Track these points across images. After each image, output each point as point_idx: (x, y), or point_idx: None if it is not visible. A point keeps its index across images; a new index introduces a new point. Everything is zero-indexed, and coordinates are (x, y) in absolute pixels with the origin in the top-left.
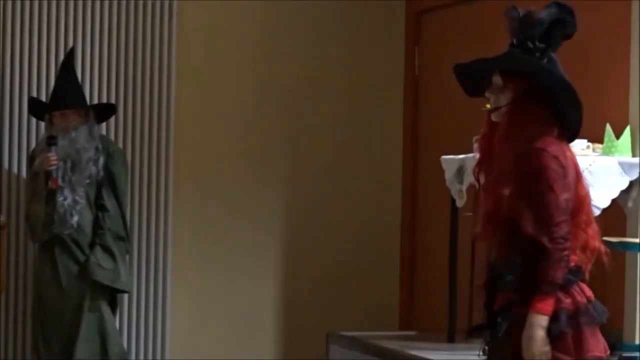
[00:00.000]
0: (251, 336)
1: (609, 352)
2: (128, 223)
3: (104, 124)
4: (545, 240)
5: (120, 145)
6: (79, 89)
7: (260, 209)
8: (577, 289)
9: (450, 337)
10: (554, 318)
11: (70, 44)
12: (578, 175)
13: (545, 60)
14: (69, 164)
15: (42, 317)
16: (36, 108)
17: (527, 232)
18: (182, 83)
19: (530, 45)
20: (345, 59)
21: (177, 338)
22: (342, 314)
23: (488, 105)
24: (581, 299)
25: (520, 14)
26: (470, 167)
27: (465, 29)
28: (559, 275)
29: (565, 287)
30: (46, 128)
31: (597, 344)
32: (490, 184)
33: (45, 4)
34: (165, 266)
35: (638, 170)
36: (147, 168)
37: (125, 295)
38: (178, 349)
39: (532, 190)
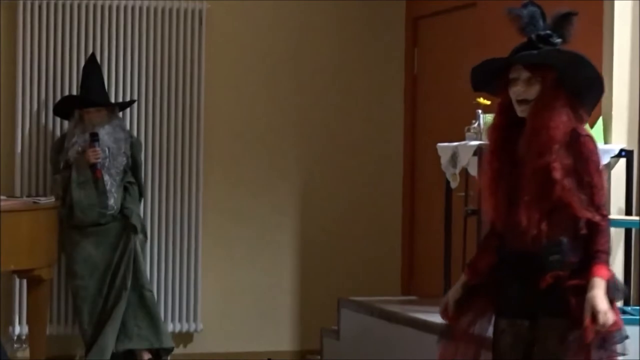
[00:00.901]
0: (271, 302)
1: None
2: (143, 194)
3: (143, 123)
4: (598, 219)
5: (157, 140)
6: (105, 89)
7: (278, 195)
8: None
9: None
10: (611, 287)
11: (108, 48)
12: None
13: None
14: (109, 155)
15: (81, 290)
16: (68, 104)
17: (581, 214)
18: (210, 84)
19: (551, 40)
20: (353, 60)
21: (207, 305)
22: (351, 282)
23: (480, 100)
24: (612, 272)
25: (528, 11)
26: (462, 153)
27: (459, 32)
28: (609, 246)
29: (606, 262)
30: (75, 123)
31: (619, 317)
32: (531, 173)
33: (82, 12)
34: (197, 244)
35: (609, 156)
36: (181, 161)
37: (163, 268)
38: (208, 314)
39: (583, 175)
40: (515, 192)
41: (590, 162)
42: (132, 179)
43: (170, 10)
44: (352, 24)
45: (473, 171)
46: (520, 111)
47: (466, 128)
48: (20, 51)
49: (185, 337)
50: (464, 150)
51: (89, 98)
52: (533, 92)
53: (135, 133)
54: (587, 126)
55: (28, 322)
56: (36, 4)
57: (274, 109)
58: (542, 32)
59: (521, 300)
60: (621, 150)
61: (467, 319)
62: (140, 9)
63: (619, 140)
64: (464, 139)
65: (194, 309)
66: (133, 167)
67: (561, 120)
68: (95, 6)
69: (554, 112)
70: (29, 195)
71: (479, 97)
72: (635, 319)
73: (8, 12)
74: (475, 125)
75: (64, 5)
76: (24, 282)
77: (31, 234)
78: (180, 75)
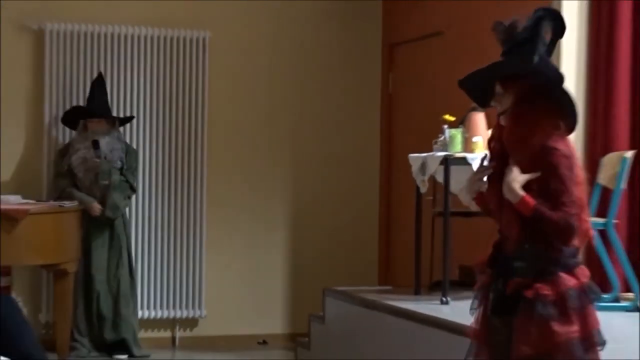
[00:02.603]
0: (266, 292)
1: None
2: (136, 188)
3: (154, 137)
4: (559, 213)
5: (167, 150)
6: (108, 103)
7: (272, 200)
8: (580, 270)
9: (416, 291)
10: (562, 297)
11: (120, 73)
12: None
13: (535, 60)
14: (107, 160)
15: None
16: (76, 114)
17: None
18: (213, 106)
19: (517, 50)
20: (337, 82)
21: (210, 293)
22: (335, 273)
23: (446, 116)
24: (584, 279)
25: (505, 25)
26: (430, 163)
27: (430, 58)
28: (553, 224)
29: (570, 269)
30: (79, 132)
31: (596, 319)
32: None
33: (100, 39)
34: (202, 240)
35: None
36: (187, 166)
37: (172, 260)
38: (211, 302)
39: (548, 187)
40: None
41: (553, 174)
42: (124, 179)
43: (178, 39)
44: (336, 50)
45: (440, 178)
46: (502, 121)
47: (434, 141)
48: (47, 72)
49: (191, 322)
50: (432, 160)
51: (92, 109)
52: (505, 103)
53: (147, 146)
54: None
55: (54, 311)
56: (61, 32)
57: (270, 125)
58: (510, 44)
59: (501, 295)
60: None
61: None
62: (150, 37)
63: None
64: (432, 151)
65: (199, 297)
66: (126, 170)
67: (532, 132)
68: (112, 34)
69: (524, 124)
70: (55, 199)
71: (445, 114)
72: None
73: (36, 38)
74: (442, 138)
75: (85, 33)
76: (51, 275)
77: (57, 233)
78: (186, 97)
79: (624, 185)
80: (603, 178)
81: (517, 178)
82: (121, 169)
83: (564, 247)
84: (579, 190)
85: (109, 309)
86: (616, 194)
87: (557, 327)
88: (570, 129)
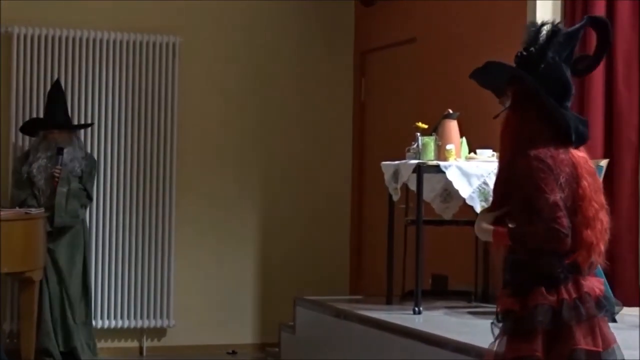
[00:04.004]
0: (235, 301)
1: (611, 343)
2: (93, 196)
3: (122, 143)
4: (538, 224)
5: (135, 157)
6: (68, 112)
7: (241, 208)
8: (570, 285)
9: (388, 300)
10: (532, 313)
11: (85, 78)
12: (577, 176)
13: (542, 66)
14: (67, 167)
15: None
16: (32, 126)
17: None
18: (183, 105)
19: (526, 54)
20: (309, 89)
21: (179, 303)
22: (306, 283)
23: (419, 124)
24: (569, 295)
25: (535, 26)
26: (403, 170)
27: (401, 64)
28: (534, 240)
29: (556, 284)
30: (39, 141)
31: (585, 338)
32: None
33: (69, 43)
34: (170, 249)
35: None
36: (156, 175)
37: (140, 270)
38: (180, 311)
39: (521, 194)
40: None
41: (528, 180)
42: (82, 187)
43: (148, 44)
44: (308, 57)
45: (412, 186)
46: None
47: (407, 148)
48: (14, 76)
49: (159, 332)
50: (405, 167)
51: (52, 121)
52: (507, 105)
53: (115, 153)
54: (489, 151)
55: (19, 319)
56: (29, 35)
57: (240, 133)
58: (522, 51)
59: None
60: None
61: None
62: (120, 42)
63: None
64: (404, 158)
65: (167, 306)
66: (85, 178)
67: (511, 138)
68: (81, 39)
69: (509, 127)
70: (18, 205)
71: (418, 121)
72: None
73: (3, 42)
74: (415, 146)
75: (53, 37)
76: (16, 283)
77: (23, 240)
78: (156, 103)
79: None
80: None
81: (481, 218)
82: (80, 177)
83: (553, 260)
84: (555, 195)
85: (57, 317)
86: None
87: (513, 344)
88: (569, 139)
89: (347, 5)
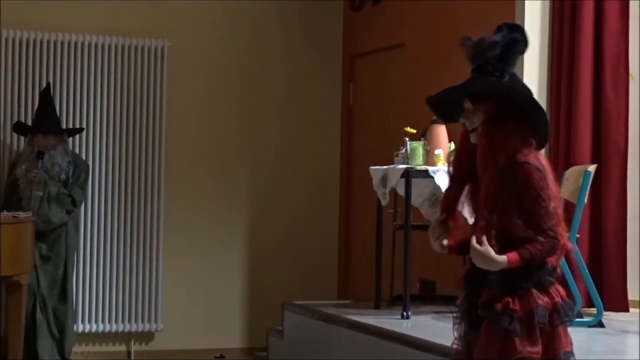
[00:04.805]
0: (223, 305)
1: (572, 344)
2: (78, 203)
3: (111, 147)
4: (537, 238)
5: (123, 162)
6: (56, 116)
7: (230, 213)
8: (554, 289)
9: (376, 305)
10: (530, 315)
11: (74, 81)
12: (551, 179)
13: (506, 78)
14: (47, 172)
15: None
16: (22, 129)
17: (520, 236)
18: (171, 110)
19: (490, 67)
20: (297, 93)
21: (167, 307)
22: (294, 287)
23: (407, 129)
24: (557, 299)
25: (475, 41)
26: (392, 175)
27: (390, 69)
28: (539, 257)
29: (544, 287)
30: (27, 144)
31: (566, 340)
32: (482, 199)
33: (49, 48)
34: (158, 252)
35: None
36: (144, 180)
37: (127, 273)
38: (167, 315)
39: (523, 202)
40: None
41: (527, 188)
42: (66, 192)
43: (136, 48)
44: (297, 61)
45: (401, 191)
46: (472, 139)
47: (395, 153)
48: (2, 79)
49: (147, 336)
50: (393, 172)
51: (39, 125)
52: (476, 121)
53: (103, 156)
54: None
55: (6, 324)
56: (17, 39)
57: (229, 136)
58: (481, 62)
59: (474, 308)
60: None
61: None
62: (109, 46)
63: None
64: (393, 163)
65: (155, 310)
66: (72, 184)
67: (504, 149)
68: (70, 43)
69: (495, 141)
70: (7, 208)
71: (406, 126)
72: None
73: None
74: (403, 150)
75: (41, 41)
76: (2, 287)
77: (11, 244)
78: (144, 107)
79: (586, 199)
80: (565, 192)
81: (484, 251)
82: (66, 182)
83: (542, 264)
84: (555, 204)
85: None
86: (579, 208)
87: (520, 345)
88: (542, 144)
89: (335, 9)
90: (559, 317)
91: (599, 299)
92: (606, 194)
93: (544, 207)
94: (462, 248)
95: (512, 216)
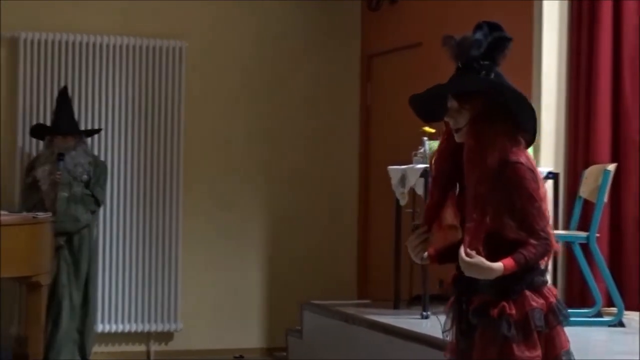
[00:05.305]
0: (242, 305)
1: (569, 342)
2: (101, 202)
3: (129, 146)
4: (529, 240)
5: (142, 161)
6: (74, 118)
7: (249, 213)
8: (547, 289)
9: (396, 305)
10: (527, 318)
11: (92, 83)
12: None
13: (492, 76)
14: (70, 173)
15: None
16: (40, 131)
17: (512, 238)
18: (189, 111)
19: (476, 65)
20: (315, 93)
21: (186, 307)
22: (313, 287)
23: (425, 128)
24: (552, 299)
25: (457, 40)
26: (410, 175)
27: (408, 68)
28: (534, 257)
29: (537, 288)
30: (46, 146)
31: (565, 339)
32: (470, 200)
33: (67, 49)
34: (177, 253)
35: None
36: (163, 178)
37: (147, 273)
38: (187, 315)
39: (515, 202)
40: (463, 217)
41: (520, 189)
42: (89, 192)
43: (154, 49)
44: (315, 62)
45: (420, 190)
46: (457, 138)
47: (413, 153)
48: (21, 81)
49: (166, 336)
50: (412, 172)
51: (57, 126)
52: (462, 120)
53: (122, 157)
54: (530, 149)
55: (26, 324)
56: (35, 40)
57: (247, 136)
58: (466, 60)
59: (465, 314)
60: (549, 172)
61: None
62: (126, 47)
63: (547, 163)
64: (411, 163)
65: (174, 310)
66: (94, 184)
67: (493, 149)
68: (87, 44)
69: (483, 141)
70: (27, 210)
71: (425, 125)
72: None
73: (10, 47)
74: (422, 150)
75: (60, 42)
76: (23, 287)
77: (30, 244)
78: (162, 108)
79: (605, 198)
80: (584, 191)
81: (477, 262)
82: (87, 183)
83: (535, 265)
84: (545, 205)
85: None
86: (598, 207)
87: (518, 350)
88: (529, 142)
89: (353, 9)
90: (556, 317)
91: (619, 298)
92: (625, 193)
93: (536, 207)
94: (445, 256)
95: (504, 217)
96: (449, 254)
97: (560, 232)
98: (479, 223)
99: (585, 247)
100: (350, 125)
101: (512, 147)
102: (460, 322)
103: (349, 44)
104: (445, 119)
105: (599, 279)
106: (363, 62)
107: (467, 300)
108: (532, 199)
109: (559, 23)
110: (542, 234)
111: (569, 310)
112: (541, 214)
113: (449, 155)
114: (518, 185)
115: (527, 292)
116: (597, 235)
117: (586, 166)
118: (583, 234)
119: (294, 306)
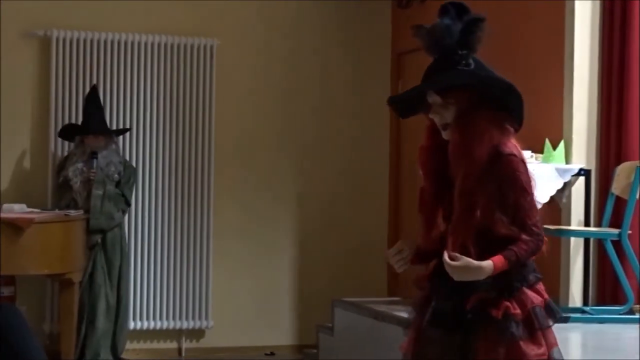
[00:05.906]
0: (273, 302)
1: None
2: (131, 202)
3: (161, 146)
4: (521, 236)
5: (173, 161)
6: (104, 117)
7: (280, 205)
8: (540, 286)
9: None
10: (529, 316)
11: (124, 81)
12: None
13: (472, 65)
14: (102, 171)
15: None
16: (69, 132)
17: (503, 234)
18: (220, 108)
19: (455, 57)
20: (347, 91)
21: (217, 304)
22: (344, 284)
23: None
24: (546, 295)
25: (427, 28)
26: None
27: None
28: (525, 257)
29: (532, 285)
30: (76, 146)
31: (554, 337)
32: (458, 196)
33: (98, 47)
34: (208, 251)
35: (570, 174)
36: (194, 177)
37: (178, 271)
38: (218, 313)
39: (507, 195)
40: (451, 214)
41: (513, 182)
42: (120, 192)
43: (185, 47)
44: (346, 59)
45: None
46: (444, 135)
47: None
48: (53, 79)
49: (197, 333)
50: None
51: (88, 127)
52: (448, 115)
53: (153, 155)
54: (528, 152)
55: (59, 321)
56: (67, 39)
57: (278, 136)
58: (442, 51)
59: (455, 315)
60: (580, 169)
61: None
62: (157, 45)
63: (579, 160)
64: None
65: (206, 307)
66: (123, 184)
67: (481, 141)
68: (119, 42)
69: (471, 134)
70: (60, 208)
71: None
72: (595, 317)
73: (42, 45)
74: None
75: (91, 40)
76: (56, 284)
77: (62, 242)
78: (193, 106)
79: (638, 195)
80: (617, 188)
81: (463, 264)
82: (118, 182)
83: (528, 262)
84: (534, 197)
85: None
86: (630, 204)
87: (527, 348)
88: (517, 129)
89: (383, 6)
90: (552, 313)
91: None
92: None
93: (528, 201)
94: (425, 256)
95: (495, 212)
96: (430, 255)
97: (593, 229)
98: (468, 219)
99: (617, 244)
100: (381, 123)
101: (502, 138)
102: (436, 315)
103: (379, 42)
104: (430, 115)
105: (631, 276)
106: (393, 60)
107: (461, 298)
108: (525, 192)
109: (591, 22)
110: (534, 229)
111: (601, 308)
112: (533, 208)
113: (433, 152)
114: (511, 178)
115: (526, 290)
116: (629, 232)
117: (618, 163)
118: (615, 230)
119: (324, 303)
